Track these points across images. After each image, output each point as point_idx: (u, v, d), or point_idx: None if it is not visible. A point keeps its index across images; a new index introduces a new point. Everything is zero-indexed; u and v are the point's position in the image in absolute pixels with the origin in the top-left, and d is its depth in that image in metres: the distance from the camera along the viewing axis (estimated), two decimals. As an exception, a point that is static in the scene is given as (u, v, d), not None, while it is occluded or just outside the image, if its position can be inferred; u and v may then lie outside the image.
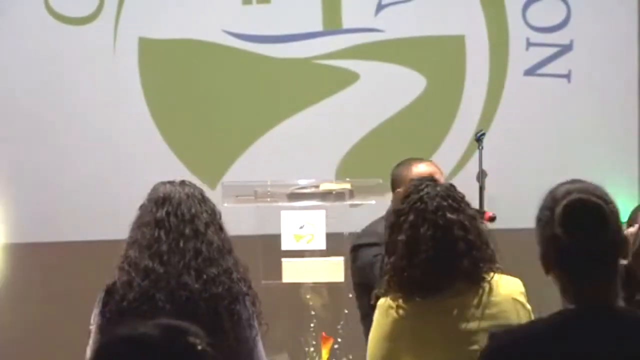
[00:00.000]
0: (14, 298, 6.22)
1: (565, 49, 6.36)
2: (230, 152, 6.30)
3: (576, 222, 2.27)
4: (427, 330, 3.16)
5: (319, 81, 6.32)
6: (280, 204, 4.90)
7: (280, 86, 6.34)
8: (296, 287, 4.85)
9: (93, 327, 3.38)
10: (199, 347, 1.76)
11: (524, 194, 6.10)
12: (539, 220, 2.35)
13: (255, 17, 6.33)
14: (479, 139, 5.44)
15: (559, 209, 2.29)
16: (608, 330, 2.22)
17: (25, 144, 6.24)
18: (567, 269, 2.30)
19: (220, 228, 3.43)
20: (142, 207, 3.47)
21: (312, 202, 4.89)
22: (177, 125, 6.31)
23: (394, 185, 4.36)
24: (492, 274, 3.18)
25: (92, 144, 6.23)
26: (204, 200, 3.44)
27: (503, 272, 3.23)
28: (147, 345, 1.76)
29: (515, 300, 3.18)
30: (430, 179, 3.31)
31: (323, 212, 4.80)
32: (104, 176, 6.17)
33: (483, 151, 5.38)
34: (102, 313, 3.34)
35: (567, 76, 6.36)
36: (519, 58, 6.33)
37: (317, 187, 4.95)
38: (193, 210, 3.39)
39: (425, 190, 3.22)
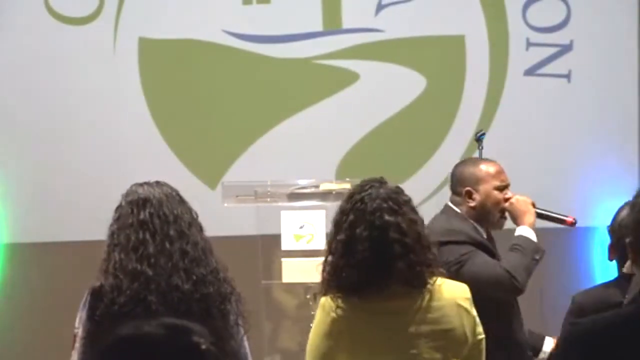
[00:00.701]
0: (14, 298, 6.21)
1: (565, 49, 6.36)
2: (230, 152, 6.30)
3: None
4: (365, 331, 3.17)
5: (319, 81, 6.31)
6: (280, 204, 4.89)
7: (280, 86, 6.34)
8: (296, 287, 4.85)
9: (79, 331, 3.35)
10: (203, 347, 1.76)
11: (523, 194, 6.11)
12: (633, 206, 2.32)
13: (255, 17, 6.33)
14: (479, 139, 5.44)
15: None
16: None
17: (25, 144, 6.24)
18: None
19: (201, 228, 3.42)
20: (119, 209, 3.44)
21: (312, 202, 4.89)
22: (177, 125, 6.30)
23: (460, 184, 4.27)
24: (434, 278, 3.17)
25: (92, 144, 6.23)
26: (182, 200, 3.43)
27: (445, 277, 3.24)
28: (152, 345, 1.76)
29: (459, 305, 3.18)
30: (377, 180, 3.31)
31: (323, 212, 4.79)
32: (104, 176, 6.16)
33: (483, 151, 5.38)
34: (91, 317, 3.32)
35: (567, 76, 6.36)
36: (519, 58, 6.33)
37: (317, 187, 4.94)
38: (175, 211, 3.37)
39: (369, 191, 3.24)
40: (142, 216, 3.35)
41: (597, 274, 5.99)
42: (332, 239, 3.27)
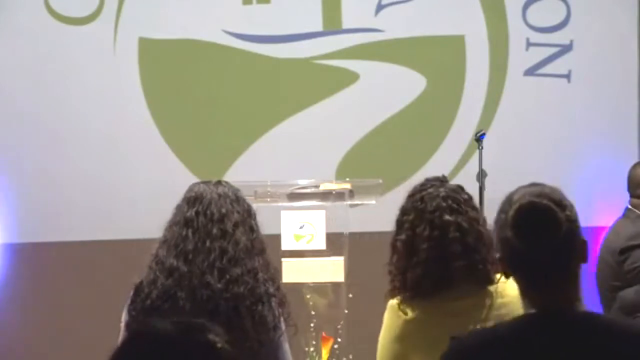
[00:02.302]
0: (14, 298, 6.21)
1: (565, 49, 6.36)
2: (230, 152, 6.30)
3: (526, 226, 2.26)
4: (435, 331, 3.15)
5: (319, 81, 6.31)
6: (280, 204, 4.89)
7: (280, 86, 6.34)
8: (296, 287, 4.85)
9: (122, 325, 3.41)
10: (219, 345, 1.76)
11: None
12: (495, 223, 2.35)
13: (255, 17, 6.32)
14: (479, 139, 5.44)
15: (510, 212, 2.28)
16: (564, 335, 2.21)
17: (25, 144, 6.24)
18: (523, 273, 2.30)
19: (252, 229, 3.43)
20: (177, 207, 3.48)
21: (312, 202, 4.89)
22: (177, 125, 6.30)
23: (638, 186, 4.25)
24: (498, 275, 3.17)
25: (92, 144, 6.23)
26: (237, 200, 3.45)
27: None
28: (167, 343, 1.76)
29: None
30: (438, 179, 3.32)
31: (323, 212, 4.80)
32: (104, 176, 6.17)
33: (483, 151, 5.39)
34: (129, 311, 3.37)
35: (567, 76, 6.36)
36: (519, 58, 6.33)
37: (317, 187, 4.94)
38: (223, 210, 3.39)
39: (429, 190, 3.24)
40: (189, 213, 3.39)
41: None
42: (394, 240, 3.27)
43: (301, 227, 4.82)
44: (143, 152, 6.22)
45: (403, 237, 3.21)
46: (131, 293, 3.42)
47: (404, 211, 3.26)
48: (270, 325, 3.35)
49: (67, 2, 6.27)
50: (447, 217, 3.17)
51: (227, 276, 3.31)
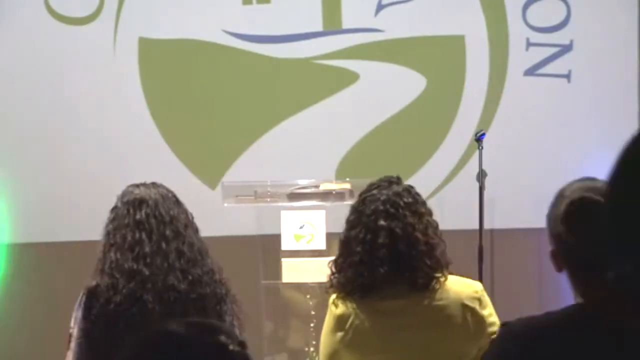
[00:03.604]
0: (14, 298, 6.22)
1: (565, 49, 6.36)
2: (230, 152, 6.30)
3: (577, 221, 2.28)
4: (367, 329, 3.20)
5: (319, 81, 6.32)
6: (280, 204, 4.90)
7: (280, 86, 6.34)
8: (296, 287, 4.85)
9: (74, 331, 3.35)
10: (230, 347, 1.75)
11: (523, 194, 6.11)
12: (548, 217, 2.37)
13: (255, 17, 6.33)
14: (479, 139, 5.44)
15: (562, 207, 2.31)
16: (611, 328, 2.23)
17: (25, 144, 6.24)
18: (574, 268, 2.32)
19: (196, 230, 3.43)
20: (115, 210, 3.45)
21: (312, 202, 4.89)
22: (177, 125, 6.31)
23: None
24: (442, 278, 3.18)
25: (92, 144, 6.23)
26: (178, 202, 3.44)
27: (454, 275, 3.24)
28: (178, 345, 1.74)
29: (464, 305, 3.19)
30: (388, 180, 3.32)
31: (323, 212, 4.80)
32: (104, 176, 6.16)
33: (483, 151, 5.39)
34: (87, 317, 3.32)
35: (567, 76, 6.36)
36: (519, 58, 6.34)
37: (317, 187, 4.95)
38: (171, 212, 3.38)
39: (373, 192, 3.26)
40: (138, 216, 3.36)
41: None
42: (340, 237, 3.31)
43: (301, 227, 4.82)
44: (143, 152, 6.22)
45: (342, 237, 3.26)
46: (83, 298, 3.38)
47: (350, 210, 3.31)
48: (229, 324, 3.35)
49: (67, 2, 6.27)
50: (381, 222, 3.19)
51: (190, 277, 3.30)
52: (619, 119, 6.34)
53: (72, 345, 3.33)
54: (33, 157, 6.24)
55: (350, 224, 3.25)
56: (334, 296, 3.28)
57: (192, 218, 3.43)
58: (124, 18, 6.27)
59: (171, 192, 3.45)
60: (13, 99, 6.25)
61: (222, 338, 1.75)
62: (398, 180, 3.33)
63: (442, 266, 3.21)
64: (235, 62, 6.30)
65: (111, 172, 6.15)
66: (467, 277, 3.34)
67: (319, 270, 4.78)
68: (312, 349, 4.78)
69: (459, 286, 3.23)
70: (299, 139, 6.27)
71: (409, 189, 3.30)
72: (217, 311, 3.31)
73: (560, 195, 2.36)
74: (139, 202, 3.38)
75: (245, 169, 6.21)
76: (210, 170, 6.23)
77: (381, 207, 3.21)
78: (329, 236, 4.80)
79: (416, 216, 3.23)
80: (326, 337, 3.28)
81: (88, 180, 6.18)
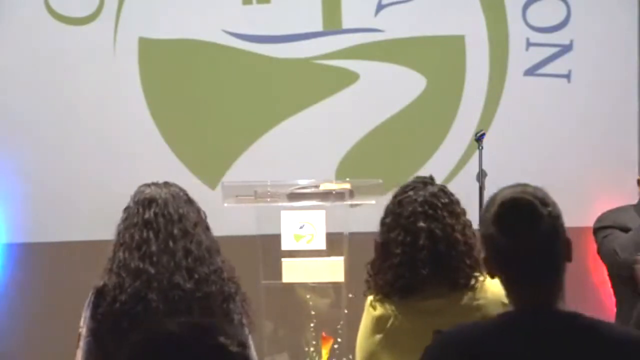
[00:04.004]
0: (14, 298, 6.21)
1: (565, 49, 6.36)
2: (230, 152, 6.30)
3: (508, 220, 2.28)
4: (407, 330, 3.20)
5: (319, 81, 6.31)
6: (280, 204, 4.90)
7: (280, 86, 6.34)
8: (296, 287, 4.85)
9: (83, 330, 3.37)
10: (230, 348, 1.74)
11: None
12: (480, 221, 2.37)
13: (255, 17, 6.32)
14: (479, 139, 5.44)
15: (493, 209, 2.30)
16: (544, 334, 2.23)
17: (25, 144, 6.24)
18: (506, 270, 2.32)
19: (207, 228, 3.44)
20: (127, 210, 3.47)
21: (312, 202, 4.89)
22: (177, 125, 6.30)
23: None
24: (474, 280, 3.18)
25: (92, 144, 6.23)
26: (189, 200, 3.45)
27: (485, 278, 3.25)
28: (177, 345, 1.74)
29: (504, 304, 3.19)
30: (422, 181, 3.32)
31: (323, 212, 4.80)
32: (104, 176, 6.16)
33: (483, 151, 5.39)
34: (94, 316, 3.33)
35: (567, 76, 6.36)
36: (519, 58, 6.33)
37: (317, 187, 4.95)
38: (180, 211, 3.39)
39: (408, 193, 3.25)
40: (147, 215, 3.37)
41: (593, 274, 5.99)
42: (375, 239, 3.31)
43: (301, 227, 4.82)
44: (143, 152, 6.22)
45: (379, 239, 3.25)
46: (91, 298, 3.39)
47: (385, 212, 3.30)
48: (238, 323, 3.36)
49: (67, 2, 6.27)
50: (420, 223, 3.19)
51: (196, 276, 3.31)
52: (619, 119, 6.33)
53: (81, 344, 3.36)
54: (33, 156, 6.24)
55: (388, 226, 3.24)
56: (371, 298, 3.27)
57: (205, 216, 3.44)
58: (124, 18, 6.27)
59: (183, 191, 3.47)
60: (13, 98, 6.24)
61: (222, 339, 1.75)
62: (432, 181, 3.35)
63: (480, 265, 3.22)
64: (235, 62, 6.30)
65: (111, 172, 6.15)
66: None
67: (319, 270, 4.79)
68: (312, 349, 4.78)
69: (496, 286, 3.24)
70: (299, 139, 6.26)
71: (444, 189, 3.31)
72: (224, 310, 3.31)
73: (491, 199, 2.36)
74: (149, 202, 3.40)
75: (245, 169, 6.21)
76: (210, 170, 6.23)
77: (419, 209, 3.21)
78: (329, 236, 4.79)
79: (454, 216, 3.24)
80: (364, 339, 3.27)
81: (88, 180, 6.18)
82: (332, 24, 6.33)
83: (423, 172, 6.19)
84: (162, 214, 3.37)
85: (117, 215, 6.11)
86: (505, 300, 3.18)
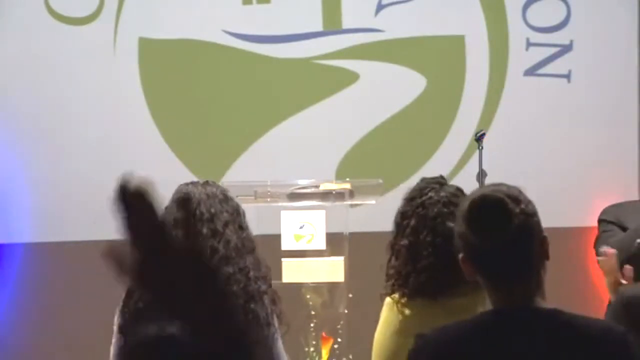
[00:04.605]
0: (14, 298, 6.22)
1: (565, 49, 6.36)
2: (230, 152, 6.30)
3: (477, 218, 2.28)
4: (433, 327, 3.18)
5: (319, 81, 6.31)
6: (280, 204, 4.90)
7: (280, 86, 6.34)
8: (296, 287, 4.85)
9: (115, 328, 3.42)
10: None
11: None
12: (455, 224, 2.36)
13: (255, 17, 6.33)
14: (479, 139, 5.44)
15: (464, 206, 2.30)
16: (524, 332, 2.22)
17: (25, 144, 6.24)
18: (481, 270, 2.31)
19: (241, 227, 3.44)
20: (166, 208, 3.48)
21: (312, 202, 4.89)
22: (177, 125, 6.30)
23: None
24: None
25: (92, 144, 6.23)
26: (225, 199, 3.46)
27: None
28: (175, 346, 1.74)
29: None
30: (437, 182, 3.32)
31: (323, 212, 4.80)
32: (104, 176, 6.15)
33: (483, 151, 5.38)
34: (122, 314, 3.38)
35: (567, 76, 6.36)
36: (519, 58, 6.33)
37: (317, 187, 4.95)
38: (212, 210, 3.40)
39: (429, 194, 3.25)
40: (179, 214, 3.39)
41: (593, 274, 5.99)
42: (394, 242, 3.28)
43: (301, 227, 4.82)
44: (143, 152, 6.22)
45: (406, 242, 3.23)
46: (123, 296, 3.43)
47: (404, 215, 3.27)
48: (264, 322, 3.36)
49: (67, 2, 6.27)
50: (449, 224, 3.17)
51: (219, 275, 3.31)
52: (619, 119, 6.33)
53: (113, 340, 3.39)
54: (33, 156, 6.24)
55: (413, 228, 3.23)
56: (393, 298, 3.26)
57: (242, 216, 3.44)
58: (124, 18, 6.27)
59: (221, 189, 3.48)
60: (13, 98, 6.25)
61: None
62: (444, 180, 3.35)
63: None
64: (235, 62, 6.30)
65: (111, 172, 6.11)
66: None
67: (319, 270, 4.80)
68: (312, 349, 4.78)
69: None
70: (299, 139, 6.26)
71: (460, 189, 3.32)
72: (245, 309, 3.31)
73: (465, 198, 2.37)
74: (183, 200, 3.42)
75: (245, 169, 6.21)
76: (210, 170, 6.22)
77: (445, 210, 3.21)
78: (329, 236, 4.79)
79: None
80: (387, 339, 3.24)
81: (88, 180, 6.18)
82: (332, 24, 6.34)
83: (423, 172, 6.20)
84: (193, 213, 3.38)
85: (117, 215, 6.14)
86: None
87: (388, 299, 3.28)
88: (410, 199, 3.29)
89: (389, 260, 3.31)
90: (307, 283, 4.84)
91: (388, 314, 3.27)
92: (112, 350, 3.42)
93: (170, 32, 6.29)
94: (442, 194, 3.25)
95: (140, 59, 6.28)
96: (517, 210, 2.28)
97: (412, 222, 3.24)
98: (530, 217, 2.30)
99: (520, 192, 2.34)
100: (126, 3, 6.27)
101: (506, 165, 6.02)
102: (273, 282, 4.81)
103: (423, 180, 3.38)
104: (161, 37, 6.29)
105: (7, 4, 6.25)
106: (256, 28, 6.31)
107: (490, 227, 2.26)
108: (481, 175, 5.49)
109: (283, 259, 4.82)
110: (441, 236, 3.18)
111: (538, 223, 2.31)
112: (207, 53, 6.28)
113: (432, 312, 3.18)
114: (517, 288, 2.27)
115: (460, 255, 2.34)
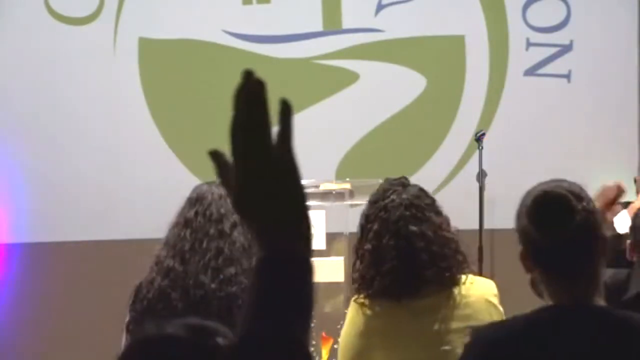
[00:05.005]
0: (14, 298, 6.22)
1: (565, 49, 6.36)
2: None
3: (540, 213, 2.27)
4: (398, 329, 3.20)
5: (319, 81, 6.32)
6: (280, 203, 4.89)
7: (280, 86, 6.30)
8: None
9: (124, 326, 3.43)
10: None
11: (523, 194, 6.10)
12: (515, 217, 2.36)
13: (255, 17, 6.33)
14: (479, 139, 5.44)
15: (527, 203, 2.30)
16: (581, 330, 2.22)
17: (25, 144, 6.25)
18: (542, 265, 2.30)
19: None
20: (180, 208, 3.49)
21: (312, 202, 4.89)
22: (177, 125, 6.31)
23: None
24: (464, 277, 3.19)
25: (92, 144, 6.23)
26: None
27: (475, 274, 3.27)
28: (175, 346, 1.74)
29: (488, 301, 3.21)
30: (400, 183, 3.31)
31: (323, 212, 4.80)
32: (104, 176, 6.17)
33: (483, 151, 5.39)
34: (130, 311, 3.39)
35: (567, 76, 6.36)
36: (519, 58, 6.34)
37: (317, 187, 4.95)
38: (222, 210, 3.40)
39: (391, 197, 3.24)
40: (189, 214, 3.40)
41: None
42: (358, 246, 3.29)
43: (301, 227, 4.82)
44: (143, 152, 6.22)
45: (369, 246, 3.23)
46: (132, 293, 3.44)
47: (368, 218, 3.27)
48: None
49: (67, 2, 6.27)
50: (412, 227, 3.18)
51: (221, 276, 3.31)
52: (619, 119, 6.34)
53: (123, 337, 3.41)
54: (33, 156, 6.24)
55: (376, 233, 3.23)
56: (358, 299, 3.27)
57: None
58: (124, 18, 6.28)
59: None
60: (13, 98, 6.25)
61: (220, 340, 1.75)
62: (407, 181, 3.34)
63: (467, 260, 3.23)
64: (235, 62, 6.30)
65: (111, 172, 6.15)
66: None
67: (319, 270, 4.79)
68: (312, 349, 4.77)
69: (481, 283, 3.26)
70: (298, 139, 6.20)
71: (422, 189, 3.31)
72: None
73: (527, 194, 2.36)
74: (195, 200, 3.42)
75: (245, 169, 6.20)
76: (210, 170, 6.14)
77: (407, 213, 3.20)
78: (329, 236, 4.80)
79: (439, 215, 3.24)
80: (352, 339, 3.27)
81: (88, 180, 6.18)
82: (332, 24, 6.34)
83: (423, 172, 6.22)
84: (202, 213, 3.39)
85: (118, 216, 6.16)
86: (490, 299, 3.20)
87: (353, 300, 3.29)
88: (373, 202, 3.29)
89: (354, 264, 3.32)
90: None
91: (353, 315, 3.29)
92: (122, 347, 3.44)
93: (170, 32, 6.29)
94: (404, 196, 3.24)
95: (140, 59, 6.29)
96: (580, 207, 2.28)
97: (375, 226, 3.24)
98: (591, 214, 2.30)
99: (581, 188, 2.34)
100: (126, 3, 6.27)
101: (506, 165, 6.02)
102: (273, 282, 4.82)
103: (386, 181, 3.38)
104: (161, 37, 6.30)
105: (7, 4, 6.25)
106: (256, 28, 6.32)
107: (552, 224, 2.25)
108: (481, 175, 5.50)
109: (283, 259, 4.82)
110: (404, 239, 3.18)
111: (598, 221, 2.31)
112: (207, 53, 6.29)
113: (396, 313, 3.19)
114: (576, 285, 2.26)
115: (520, 250, 2.33)
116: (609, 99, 6.33)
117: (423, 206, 3.23)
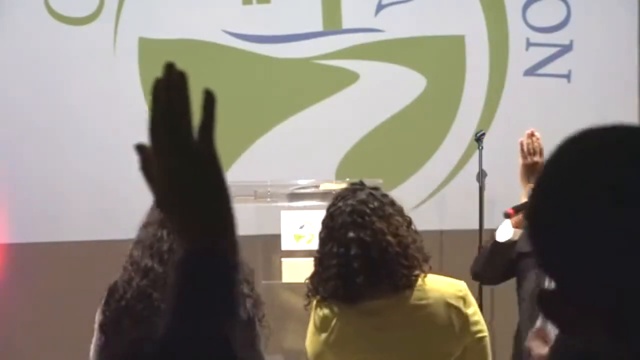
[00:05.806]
0: (14, 298, 6.22)
1: (565, 49, 6.36)
2: (230, 152, 6.30)
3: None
4: (351, 330, 3.22)
5: (319, 81, 6.32)
6: (280, 204, 4.90)
7: (280, 86, 6.34)
8: (296, 287, 4.85)
9: (96, 325, 3.40)
10: None
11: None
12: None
13: (255, 17, 6.33)
14: (479, 139, 5.44)
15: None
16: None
17: (25, 144, 6.25)
18: None
19: None
20: (151, 208, 3.47)
21: (312, 202, 4.89)
22: (177, 125, 6.30)
23: None
24: (423, 277, 3.18)
25: (92, 144, 6.23)
26: None
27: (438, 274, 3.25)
28: (156, 349, 1.74)
29: (448, 304, 3.18)
30: (353, 189, 3.31)
31: (323, 212, 4.79)
32: (104, 176, 6.17)
33: (483, 151, 5.39)
34: (103, 312, 3.36)
35: (567, 76, 6.36)
36: (519, 58, 6.34)
37: (317, 187, 4.95)
38: None
39: (338, 204, 3.25)
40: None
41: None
42: (315, 252, 3.32)
43: (301, 227, 4.82)
44: (143, 152, 6.21)
45: (317, 254, 3.27)
46: (105, 294, 3.41)
47: (321, 227, 3.29)
48: (244, 326, 3.36)
49: (67, 2, 6.27)
50: (350, 234, 3.17)
51: None
52: (619, 119, 6.30)
53: (93, 339, 3.38)
54: (32, 156, 6.24)
55: (322, 240, 3.26)
56: (316, 299, 3.30)
57: None
58: (124, 18, 6.28)
59: None
60: (13, 98, 6.25)
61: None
62: (362, 186, 3.32)
63: (419, 263, 3.20)
64: (235, 62, 6.31)
65: (111, 172, 6.15)
66: (467, 277, 3.33)
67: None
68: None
69: (443, 285, 3.22)
70: (299, 139, 6.27)
71: (373, 193, 3.27)
72: None
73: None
74: None
75: (245, 169, 6.21)
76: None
77: (348, 219, 3.20)
78: (329, 236, 4.79)
79: (384, 220, 3.20)
80: (311, 338, 3.31)
81: (87, 180, 6.18)
82: (332, 24, 6.34)
83: (423, 172, 6.22)
84: None
85: (117, 215, 6.15)
86: (451, 301, 3.18)
87: (315, 299, 3.31)
88: (327, 209, 3.31)
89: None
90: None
91: (312, 314, 3.32)
92: (92, 348, 3.41)
93: (170, 32, 6.29)
94: (350, 201, 3.23)
95: (140, 59, 6.28)
96: None
97: (323, 234, 3.26)
98: None
99: None
100: (126, 3, 6.27)
101: (506, 165, 6.01)
102: (273, 282, 4.82)
103: (346, 186, 3.40)
104: (161, 37, 6.30)
105: (7, 4, 6.25)
106: (256, 28, 6.32)
107: None
108: (481, 175, 5.50)
109: (283, 259, 4.83)
110: (343, 246, 3.17)
111: None
112: (207, 53, 6.29)
113: (349, 313, 3.20)
114: None
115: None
116: (609, 99, 6.33)
117: (365, 211, 3.20)
